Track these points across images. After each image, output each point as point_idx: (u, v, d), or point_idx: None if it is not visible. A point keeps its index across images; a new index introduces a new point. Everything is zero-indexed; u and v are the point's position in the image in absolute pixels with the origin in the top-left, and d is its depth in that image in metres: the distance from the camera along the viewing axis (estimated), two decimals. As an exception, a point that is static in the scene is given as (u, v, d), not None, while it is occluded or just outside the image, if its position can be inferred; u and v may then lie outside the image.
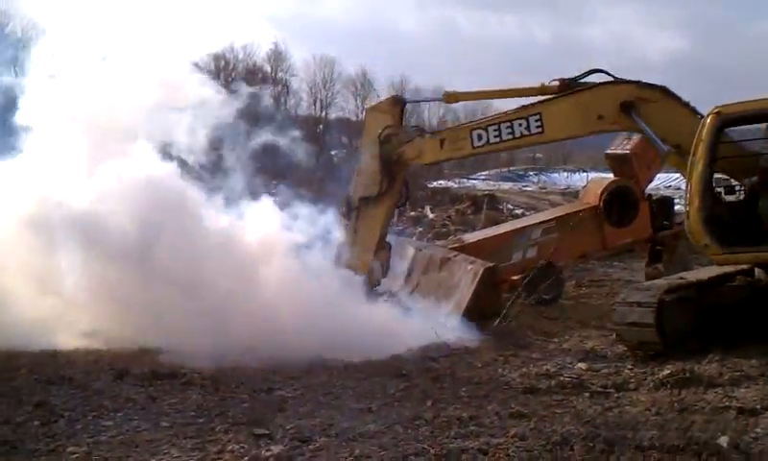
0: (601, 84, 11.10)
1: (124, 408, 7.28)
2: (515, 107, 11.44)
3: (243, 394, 7.88)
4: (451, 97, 12.88)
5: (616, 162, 15.07)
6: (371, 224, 11.46)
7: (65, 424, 6.83)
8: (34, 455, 6.14)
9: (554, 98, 11.19)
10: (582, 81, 11.26)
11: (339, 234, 11.57)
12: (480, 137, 11.22)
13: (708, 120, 9.84)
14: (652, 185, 16.79)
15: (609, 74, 11.17)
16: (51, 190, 9.95)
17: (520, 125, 11.07)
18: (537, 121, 11.01)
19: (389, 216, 11.78)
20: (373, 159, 11.48)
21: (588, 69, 11.35)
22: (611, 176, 15.47)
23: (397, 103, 12.02)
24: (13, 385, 7.77)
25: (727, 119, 9.89)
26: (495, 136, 11.15)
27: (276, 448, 6.21)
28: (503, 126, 11.14)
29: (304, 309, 9.93)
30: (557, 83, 11.28)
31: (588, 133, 11.50)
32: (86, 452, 6.19)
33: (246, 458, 5.98)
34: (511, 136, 11.13)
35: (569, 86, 11.17)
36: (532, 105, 11.23)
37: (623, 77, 11.04)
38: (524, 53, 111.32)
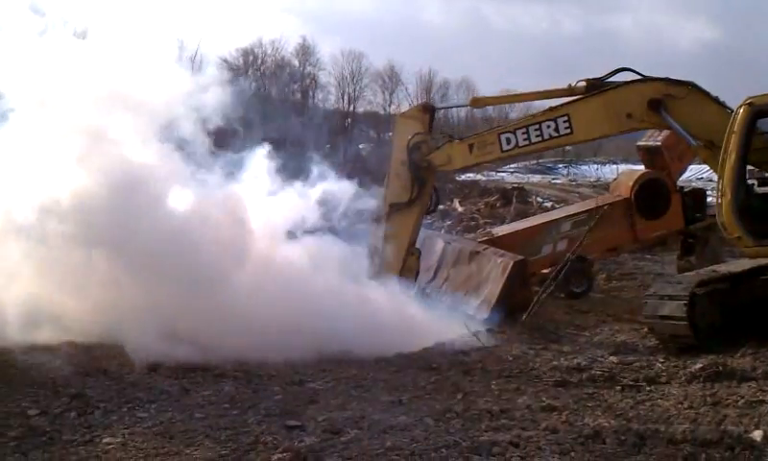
0: (628, 82, 11.11)
1: (158, 400, 7.39)
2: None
3: (275, 386, 7.97)
4: (479, 102, 13.06)
5: (648, 154, 14.95)
6: (400, 230, 11.56)
7: (101, 415, 6.95)
8: (71, 446, 6.27)
9: (582, 98, 11.21)
10: (609, 80, 11.27)
11: (370, 240, 11.72)
12: (509, 141, 11.28)
13: (741, 111, 9.74)
14: (684, 177, 16.62)
15: (636, 72, 11.18)
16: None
17: (549, 127, 11.11)
18: (565, 122, 11.05)
19: (419, 222, 11.90)
20: (403, 166, 11.60)
21: (617, 66, 11.38)
22: (642, 168, 15.34)
23: (427, 110, 12.11)
24: (50, 377, 7.89)
25: (760, 110, 9.79)
26: (524, 139, 11.21)
27: (308, 440, 6.29)
28: (531, 129, 11.19)
29: (335, 303, 9.98)
30: (584, 83, 11.30)
31: (617, 132, 11.54)
32: (122, 443, 6.31)
33: (279, 449, 6.04)
34: (540, 139, 11.19)
35: (597, 86, 11.19)
36: (560, 106, 11.27)
37: (651, 74, 11.01)
38: (553, 44, 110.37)
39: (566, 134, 11.14)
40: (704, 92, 10.75)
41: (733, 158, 9.67)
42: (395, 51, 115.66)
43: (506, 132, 11.39)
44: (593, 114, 11.07)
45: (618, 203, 14.26)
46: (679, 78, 10.82)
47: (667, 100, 10.62)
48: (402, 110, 12.23)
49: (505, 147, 11.33)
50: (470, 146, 11.54)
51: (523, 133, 11.22)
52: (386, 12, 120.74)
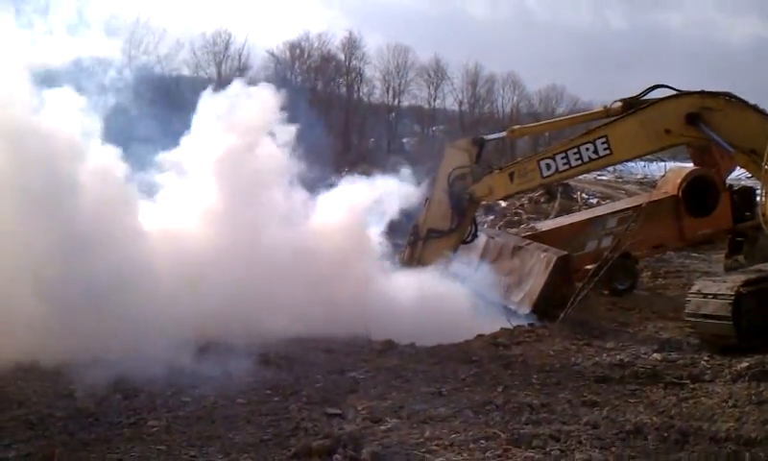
0: (664, 98, 11.13)
1: (201, 385, 7.48)
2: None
3: (316, 374, 8.02)
4: (515, 132, 13.20)
5: (697, 151, 14.71)
6: (436, 256, 11.60)
7: (146, 398, 7.07)
8: (116, 428, 6.39)
9: (618, 118, 11.19)
10: (644, 98, 11.23)
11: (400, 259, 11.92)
12: (549, 166, 11.37)
13: (790, 105, 9.55)
14: (733, 175, 16.32)
15: (670, 88, 11.25)
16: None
17: (588, 149, 11.17)
18: (604, 143, 11.12)
19: (454, 251, 11.96)
20: (446, 195, 11.75)
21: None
22: (690, 165, 15.11)
23: (476, 143, 12.19)
24: (96, 360, 8.01)
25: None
26: (564, 164, 11.29)
27: (348, 428, 6.34)
28: (570, 153, 11.24)
29: (376, 295, 10.02)
30: (620, 103, 11.40)
31: (657, 149, 11.65)
32: (166, 426, 6.42)
33: (319, 436, 6.11)
34: (579, 162, 11.26)
35: (632, 105, 11.20)
36: (597, 128, 11.33)
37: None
38: (599, 39, 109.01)
39: (606, 156, 11.22)
40: (742, 101, 10.70)
41: (780, 154, 9.48)
42: (440, 45, 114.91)
43: (545, 158, 11.45)
44: (632, 133, 11.11)
45: (665, 200, 14.07)
46: (717, 88, 10.88)
47: (705, 113, 10.63)
48: (454, 141, 12.48)
49: (545, 173, 11.43)
50: (511, 175, 11.63)
51: (563, 158, 11.29)
52: (432, 6, 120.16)
